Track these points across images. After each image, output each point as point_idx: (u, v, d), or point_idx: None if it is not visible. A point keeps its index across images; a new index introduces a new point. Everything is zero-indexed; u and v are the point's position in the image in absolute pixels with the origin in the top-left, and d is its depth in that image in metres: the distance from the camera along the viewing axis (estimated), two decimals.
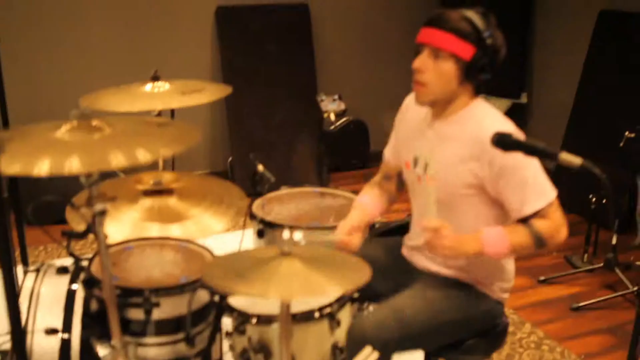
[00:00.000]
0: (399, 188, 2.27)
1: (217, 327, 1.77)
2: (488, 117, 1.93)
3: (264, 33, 4.58)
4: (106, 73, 4.35)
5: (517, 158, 1.82)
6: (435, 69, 1.89)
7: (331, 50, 4.93)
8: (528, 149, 1.55)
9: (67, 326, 1.98)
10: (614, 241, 3.45)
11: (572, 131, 4.38)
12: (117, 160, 1.30)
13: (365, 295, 2.02)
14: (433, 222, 1.85)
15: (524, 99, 4.96)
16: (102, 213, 1.50)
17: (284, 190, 2.64)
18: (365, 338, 1.81)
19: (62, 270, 2.12)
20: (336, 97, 2.88)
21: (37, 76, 4.29)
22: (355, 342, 1.81)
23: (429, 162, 1.98)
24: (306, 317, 1.82)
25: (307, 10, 4.68)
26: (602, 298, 3.37)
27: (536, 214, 1.85)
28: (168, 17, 4.44)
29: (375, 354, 1.68)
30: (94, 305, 1.77)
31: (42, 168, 1.26)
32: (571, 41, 4.54)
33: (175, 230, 2.01)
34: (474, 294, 2.01)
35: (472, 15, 1.87)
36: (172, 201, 2.10)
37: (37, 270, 2.12)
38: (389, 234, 2.46)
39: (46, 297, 2.03)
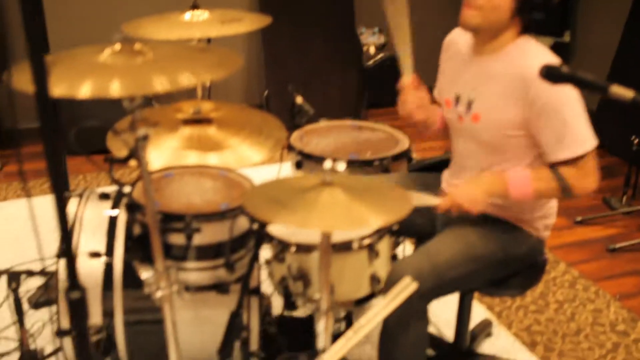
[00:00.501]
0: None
1: (256, 254, 1.79)
2: (535, 53, 1.86)
3: None
4: (145, 1, 4.32)
5: (562, 99, 1.78)
6: None
7: None
8: (578, 81, 1.49)
9: (109, 250, 2.03)
10: None
11: (616, 72, 4.25)
12: (161, 83, 1.30)
13: (404, 229, 2.02)
14: (441, 206, 1.86)
15: (566, 37, 4.82)
16: (145, 138, 1.50)
17: (323, 123, 2.63)
18: None
19: (104, 196, 2.16)
20: (376, 30, 2.82)
21: (77, 4, 4.27)
22: None
23: (472, 99, 1.94)
24: (345, 247, 1.83)
25: None
26: (639, 240, 3.34)
27: (569, 161, 1.81)
28: None
29: (414, 285, 1.69)
30: (136, 230, 1.80)
31: (86, 90, 1.26)
32: None
33: (213, 160, 2.02)
34: (516, 233, 2.00)
35: None
36: (211, 130, 2.11)
37: (80, 196, 2.17)
38: (425, 170, 2.45)
39: (89, 221, 2.08)
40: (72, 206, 2.11)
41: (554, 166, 1.84)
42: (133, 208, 1.80)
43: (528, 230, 2.02)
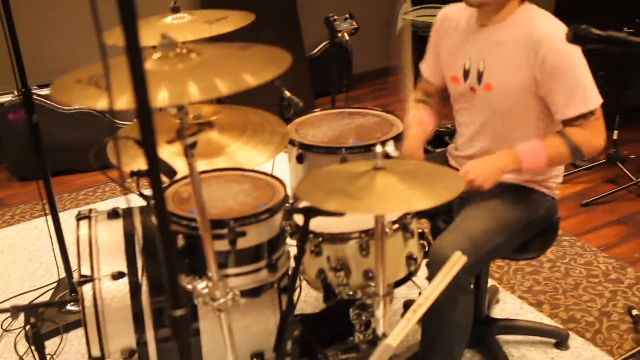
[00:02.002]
0: (439, 105, 2.27)
1: (303, 250, 1.76)
2: (540, 17, 1.92)
3: None
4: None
5: (569, 59, 1.84)
6: None
7: None
8: (611, 41, 1.54)
9: (132, 269, 1.95)
10: (615, 136, 3.56)
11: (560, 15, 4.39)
12: (225, 86, 1.26)
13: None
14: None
15: None
16: (193, 145, 1.46)
17: (313, 114, 2.61)
18: None
19: (113, 214, 2.08)
20: (347, 15, 2.81)
21: (49, 19, 4.09)
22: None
23: (483, 70, 1.97)
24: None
25: None
26: (608, 192, 3.49)
27: (577, 120, 1.88)
28: None
29: (464, 258, 1.71)
30: (178, 242, 1.74)
31: (159, 99, 1.20)
32: None
33: (222, 163, 1.98)
34: (534, 195, 2.06)
35: None
36: (213, 134, 2.06)
37: (88, 217, 2.07)
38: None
39: (104, 242, 2.00)
40: (83, 229, 2.02)
41: (562, 129, 1.90)
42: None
43: (543, 191, 2.08)
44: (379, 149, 1.52)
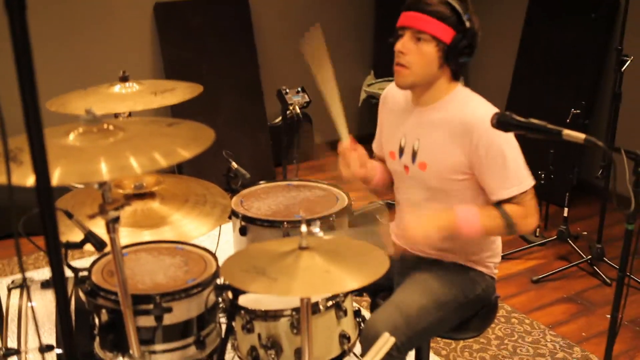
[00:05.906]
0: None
1: (230, 327, 1.74)
2: (472, 100, 1.97)
3: (204, 28, 4.52)
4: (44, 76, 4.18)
5: (501, 143, 1.89)
6: (417, 52, 1.91)
7: (272, 44, 4.90)
8: (531, 128, 1.59)
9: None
10: (565, 214, 3.61)
11: (512, 109, 4.52)
12: (142, 164, 1.26)
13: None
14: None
15: (460, 82, 5.06)
16: (116, 220, 1.45)
17: (259, 186, 2.62)
18: None
19: (47, 284, 2.04)
20: (299, 89, 2.87)
21: None
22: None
23: (417, 149, 2.01)
24: (314, 309, 1.81)
25: (247, 4, 4.64)
26: (558, 269, 3.51)
27: (512, 199, 1.92)
28: (105, 16, 4.30)
29: (392, 340, 1.70)
30: (102, 316, 1.71)
31: (70, 177, 1.20)
32: (505, 25, 4.68)
33: (162, 234, 1.96)
34: (472, 274, 2.07)
35: None
36: (155, 204, 2.06)
37: (21, 287, 2.04)
38: (367, 217, 2.49)
39: (35, 313, 1.96)
40: (14, 299, 1.98)
41: (499, 204, 1.93)
42: (94, 293, 1.71)
43: (481, 270, 2.09)
44: (304, 228, 1.53)
